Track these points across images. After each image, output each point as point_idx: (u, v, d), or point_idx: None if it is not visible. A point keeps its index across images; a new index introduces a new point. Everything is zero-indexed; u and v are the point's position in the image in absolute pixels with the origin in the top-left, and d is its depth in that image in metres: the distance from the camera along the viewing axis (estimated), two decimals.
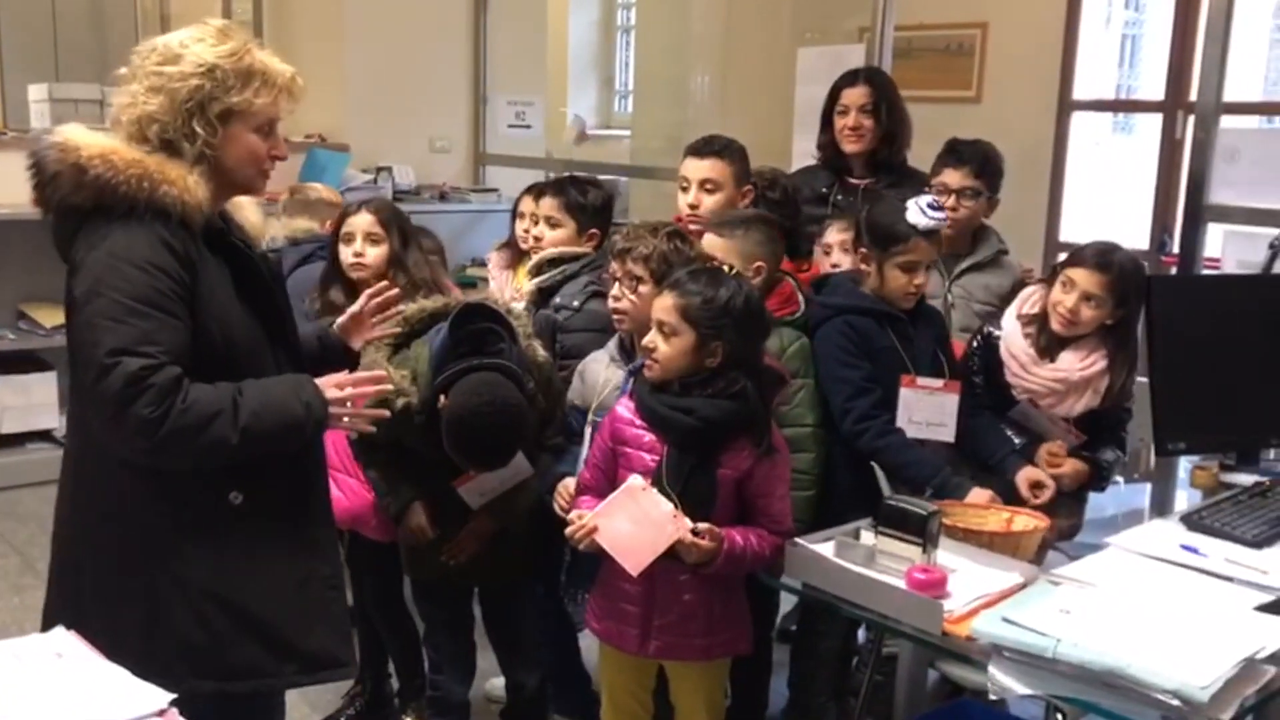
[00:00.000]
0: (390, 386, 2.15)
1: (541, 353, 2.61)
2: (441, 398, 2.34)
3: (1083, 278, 2.62)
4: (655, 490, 2.20)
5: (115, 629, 1.84)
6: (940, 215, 2.60)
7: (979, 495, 2.43)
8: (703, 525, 2.19)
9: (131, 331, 1.79)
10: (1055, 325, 2.66)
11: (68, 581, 2.03)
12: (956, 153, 3.13)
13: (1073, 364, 2.67)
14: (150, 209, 1.83)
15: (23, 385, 4.88)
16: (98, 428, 1.86)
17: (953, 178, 3.08)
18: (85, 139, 1.85)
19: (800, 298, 2.74)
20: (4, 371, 4.85)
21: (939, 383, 2.61)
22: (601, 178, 3.77)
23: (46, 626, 1.87)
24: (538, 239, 3.03)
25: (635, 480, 2.22)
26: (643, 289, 2.50)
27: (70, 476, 2.03)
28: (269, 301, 2.02)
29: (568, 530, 2.26)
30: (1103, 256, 2.63)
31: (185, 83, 1.86)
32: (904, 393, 2.58)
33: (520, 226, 3.51)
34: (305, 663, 2.03)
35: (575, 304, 2.86)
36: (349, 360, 2.31)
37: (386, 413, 2.12)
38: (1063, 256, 5.59)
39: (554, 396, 2.64)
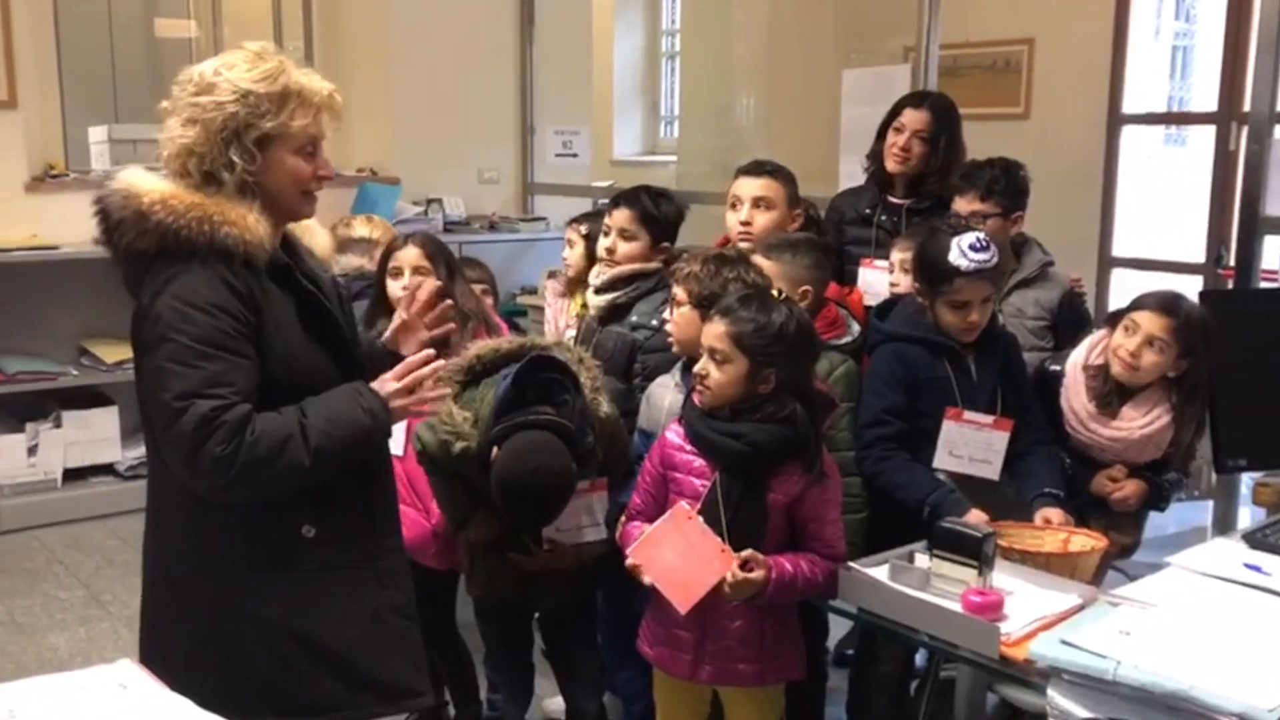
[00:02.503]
0: (444, 363, 2.11)
1: (605, 407, 2.56)
2: (495, 449, 2.35)
3: (1147, 320, 2.55)
4: (701, 520, 2.20)
5: (195, 667, 1.87)
6: (983, 257, 2.51)
7: (976, 516, 2.37)
8: (748, 552, 2.18)
9: (200, 374, 1.81)
10: (1116, 369, 2.59)
11: (153, 618, 2.06)
12: (965, 178, 3.09)
13: (1133, 421, 2.58)
14: (213, 251, 1.84)
15: (85, 420, 4.98)
16: (176, 470, 1.88)
17: (961, 204, 3.04)
18: (145, 184, 1.87)
19: (853, 323, 2.73)
20: (67, 407, 4.95)
21: (989, 419, 2.54)
22: None
23: (142, 661, 1.92)
24: (610, 250, 3.01)
25: (682, 506, 2.22)
26: (682, 309, 2.51)
27: (152, 515, 2.06)
28: (335, 334, 2.02)
29: (627, 563, 2.26)
30: (1169, 302, 2.56)
31: (220, 111, 1.86)
32: (946, 425, 2.54)
33: (567, 253, 3.55)
34: (382, 693, 2.04)
35: (654, 323, 2.84)
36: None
37: (449, 391, 2.12)
38: (1115, 272, 5.53)
39: (618, 450, 2.61)
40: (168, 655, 1.93)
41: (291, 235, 2.06)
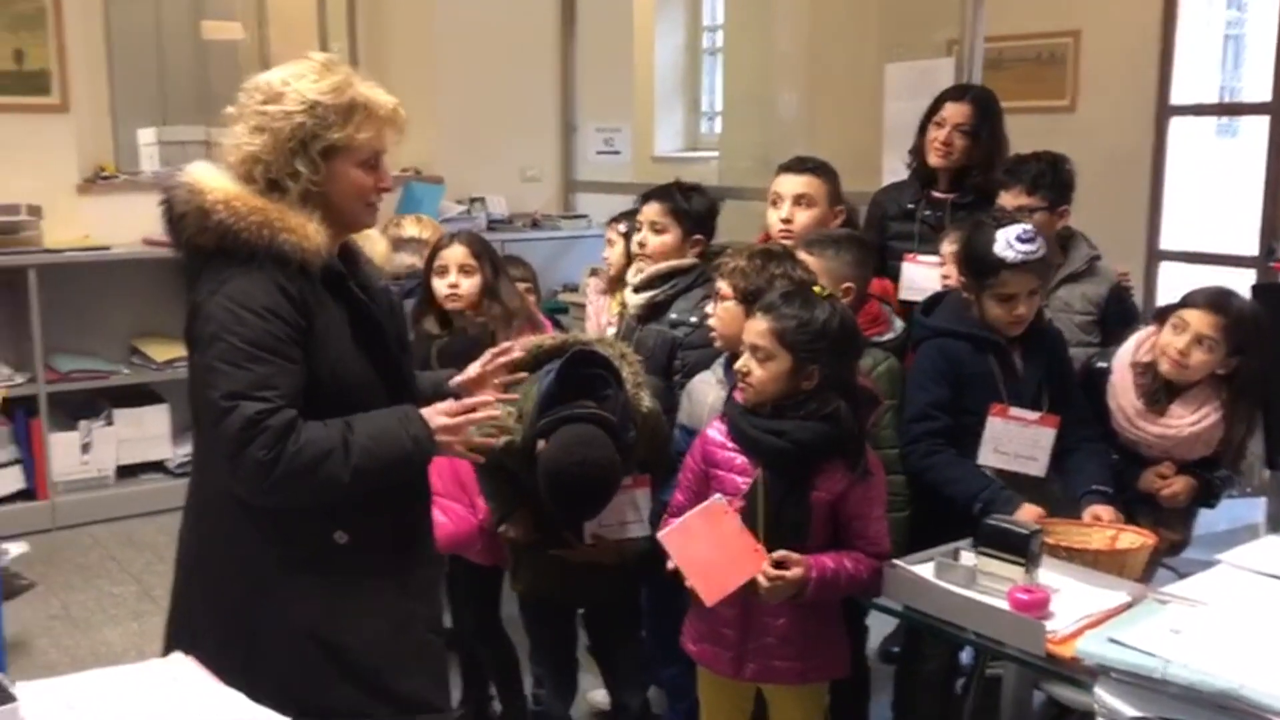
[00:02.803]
0: (499, 412, 2.15)
1: (647, 402, 2.57)
2: (541, 442, 2.37)
3: (1196, 319, 2.52)
4: (737, 517, 2.19)
5: (219, 662, 1.89)
6: (1029, 248, 2.49)
7: (1029, 511, 2.36)
8: (780, 554, 2.17)
9: (248, 376, 1.84)
10: (1164, 367, 2.56)
11: (182, 612, 2.09)
12: (1010, 172, 3.06)
13: (1182, 419, 2.55)
14: (270, 255, 1.87)
15: (137, 418, 5.05)
16: (217, 468, 1.91)
17: (1007, 199, 3.01)
18: (212, 182, 1.90)
19: (896, 320, 2.72)
20: (119, 405, 5.03)
21: (1035, 415, 2.52)
22: None
23: (166, 652, 1.93)
24: (642, 245, 3.03)
25: (718, 499, 2.22)
26: (726, 304, 2.50)
27: (190, 510, 2.09)
28: (382, 344, 2.04)
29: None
30: (1218, 299, 2.53)
31: (287, 121, 1.89)
32: (991, 422, 2.52)
33: (607, 252, 3.57)
34: (400, 705, 2.04)
35: (693, 320, 2.84)
36: None
37: (495, 441, 2.14)
38: (1164, 265, 5.45)
39: (659, 446, 2.61)
40: (196, 647, 1.95)
41: (351, 244, 2.09)
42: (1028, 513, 2.36)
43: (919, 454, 2.54)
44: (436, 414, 2.00)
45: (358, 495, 1.94)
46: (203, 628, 2.02)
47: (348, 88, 1.93)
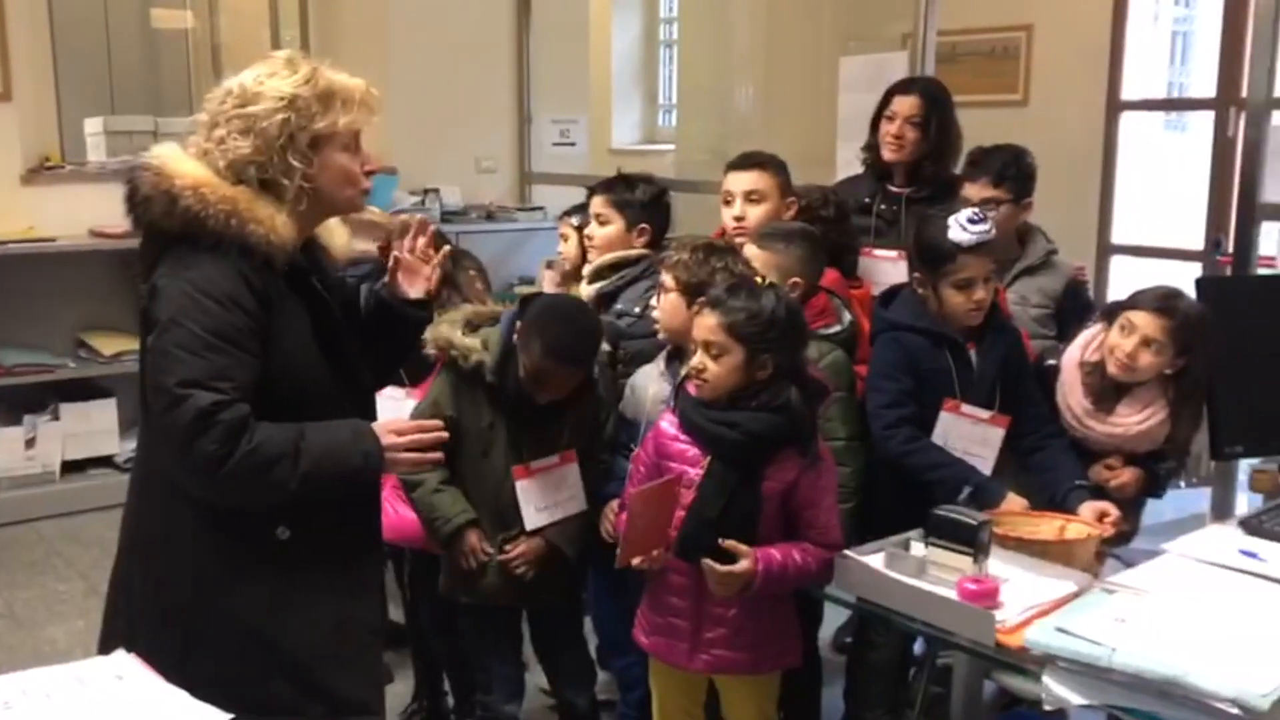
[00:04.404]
0: (446, 435, 2.12)
1: (605, 346, 2.64)
2: (516, 324, 2.46)
3: (1143, 321, 2.52)
4: (677, 499, 2.23)
5: (156, 653, 1.86)
6: (982, 228, 2.52)
7: (1015, 502, 2.39)
8: (728, 543, 2.19)
9: (206, 365, 1.82)
10: (1111, 369, 2.56)
11: (120, 603, 2.06)
12: (975, 164, 3.09)
13: (1129, 418, 2.57)
14: (236, 245, 1.85)
15: (84, 413, 4.97)
16: (164, 455, 1.89)
17: (972, 191, 3.03)
18: (180, 167, 1.88)
19: (844, 313, 2.73)
20: (65, 399, 4.95)
21: (986, 414, 2.54)
22: None
23: (103, 647, 1.90)
24: (590, 237, 3.06)
25: (679, 478, 2.24)
26: (669, 296, 2.52)
27: (132, 499, 2.07)
28: (339, 343, 2.03)
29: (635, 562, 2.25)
30: (1165, 300, 2.54)
31: (272, 119, 1.88)
32: (944, 416, 2.53)
33: (561, 247, 3.56)
34: (333, 706, 2.02)
35: (637, 310, 2.86)
36: (410, 314, 2.24)
37: (441, 456, 2.12)
38: (1114, 259, 5.51)
39: (606, 408, 2.66)
40: (130, 638, 1.90)
41: (313, 237, 2.06)
42: (1013, 503, 2.39)
43: (899, 439, 2.54)
44: (388, 432, 1.99)
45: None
46: (139, 617, 1.99)
47: (318, 77, 1.94)
